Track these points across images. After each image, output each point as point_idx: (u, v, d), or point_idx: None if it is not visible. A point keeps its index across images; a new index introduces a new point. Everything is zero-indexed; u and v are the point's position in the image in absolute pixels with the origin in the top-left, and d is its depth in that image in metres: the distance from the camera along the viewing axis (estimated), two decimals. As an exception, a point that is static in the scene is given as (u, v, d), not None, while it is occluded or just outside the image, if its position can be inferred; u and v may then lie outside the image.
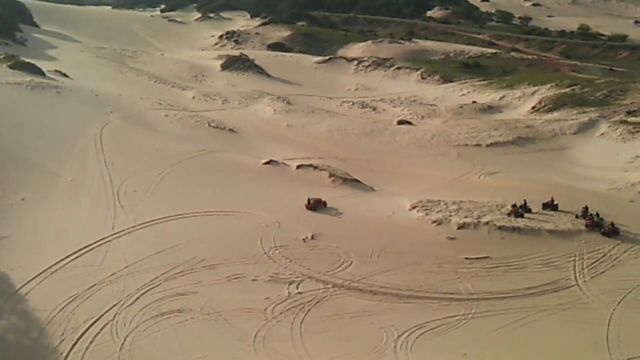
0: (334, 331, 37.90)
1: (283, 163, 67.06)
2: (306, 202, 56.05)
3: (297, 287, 42.40)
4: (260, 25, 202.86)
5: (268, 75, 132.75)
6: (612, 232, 51.68)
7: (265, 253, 46.73)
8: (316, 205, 55.97)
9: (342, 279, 43.59)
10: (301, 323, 38.40)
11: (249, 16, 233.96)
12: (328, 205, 56.04)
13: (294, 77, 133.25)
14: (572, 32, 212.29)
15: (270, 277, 43.48)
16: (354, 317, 39.47)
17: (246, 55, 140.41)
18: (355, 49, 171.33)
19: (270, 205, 55.65)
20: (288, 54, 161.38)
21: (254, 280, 43.05)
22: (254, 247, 47.37)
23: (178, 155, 65.78)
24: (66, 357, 34.49)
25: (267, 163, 66.16)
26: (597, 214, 54.33)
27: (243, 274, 43.55)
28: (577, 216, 55.12)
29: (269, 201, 56.72)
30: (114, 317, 37.96)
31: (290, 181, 62.82)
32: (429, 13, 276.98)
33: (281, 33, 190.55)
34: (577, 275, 45.43)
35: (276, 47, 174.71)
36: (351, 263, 45.88)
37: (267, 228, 50.84)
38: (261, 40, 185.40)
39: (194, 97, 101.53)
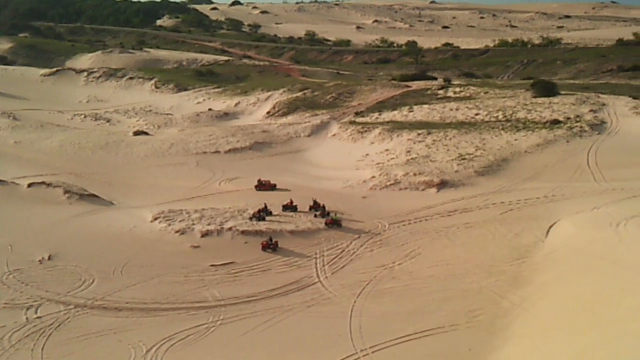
0: (79, 353, 36.23)
1: (12, 182, 63.15)
2: (256, 184, 64.72)
3: (36, 312, 40.08)
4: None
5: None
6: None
7: (-3, 279, 43.76)
8: (262, 186, 64.65)
9: (85, 299, 41.85)
10: (42, 349, 36.29)
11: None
12: (68, 224, 53.78)
13: (19, 91, 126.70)
14: (300, 38, 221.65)
15: (5, 304, 40.77)
16: (99, 336, 37.98)
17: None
18: (85, 60, 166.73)
19: None
20: (11, 67, 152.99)
21: (-13, 309, 40.16)
22: (-15, 274, 44.19)
23: None
24: None
25: (-6, 183, 62.00)
26: (317, 204, 58.57)
27: (-26, 304, 40.47)
28: (315, 215, 57.18)
29: (-2, 224, 53.22)
30: None
31: (22, 201, 59.27)
32: (158, 22, 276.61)
33: (2, 45, 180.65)
34: (319, 272, 47.04)
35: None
36: (93, 281, 44.20)
37: (-2, 252, 47.65)
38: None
39: None
